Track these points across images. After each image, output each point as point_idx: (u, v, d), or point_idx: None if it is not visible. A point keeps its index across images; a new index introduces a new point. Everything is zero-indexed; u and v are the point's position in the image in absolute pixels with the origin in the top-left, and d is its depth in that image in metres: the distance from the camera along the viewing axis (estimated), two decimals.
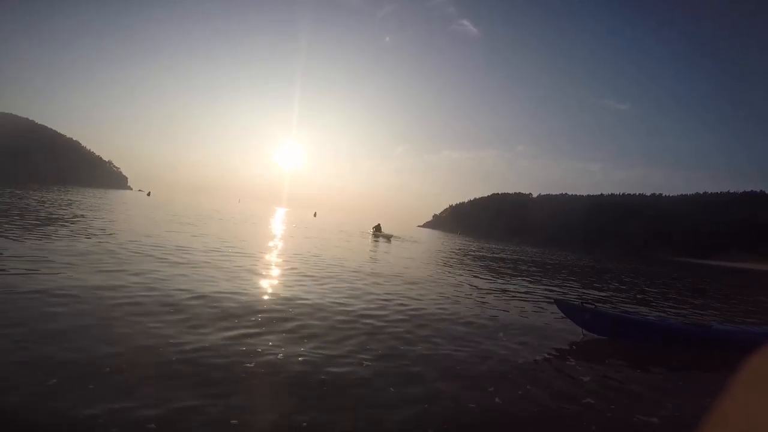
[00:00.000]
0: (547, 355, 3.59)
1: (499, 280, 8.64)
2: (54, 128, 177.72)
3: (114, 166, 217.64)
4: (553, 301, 4.67)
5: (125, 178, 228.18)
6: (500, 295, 6.52)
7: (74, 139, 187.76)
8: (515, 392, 2.70)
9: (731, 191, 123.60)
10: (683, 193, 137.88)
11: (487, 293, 6.60)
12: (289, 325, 3.52)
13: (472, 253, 17.88)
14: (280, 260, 7.74)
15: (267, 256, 8.06)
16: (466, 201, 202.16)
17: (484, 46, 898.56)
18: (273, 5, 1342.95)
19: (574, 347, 3.93)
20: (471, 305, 5.33)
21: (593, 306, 4.19)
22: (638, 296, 8.86)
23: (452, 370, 2.96)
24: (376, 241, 18.85)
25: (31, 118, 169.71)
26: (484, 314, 4.83)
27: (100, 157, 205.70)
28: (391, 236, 23.59)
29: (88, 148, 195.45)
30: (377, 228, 24.99)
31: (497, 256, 18.08)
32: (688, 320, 4.33)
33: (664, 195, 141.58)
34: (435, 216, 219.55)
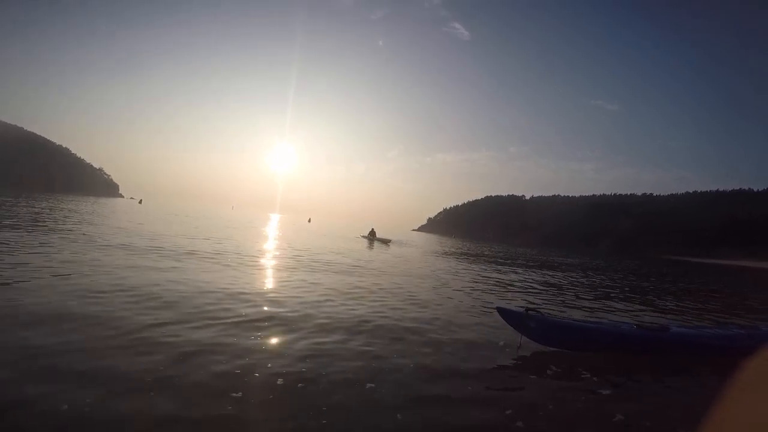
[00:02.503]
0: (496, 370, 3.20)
1: (475, 283, 8.59)
2: (43, 135, 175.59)
3: (105, 173, 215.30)
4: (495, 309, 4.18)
5: (116, 186, 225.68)
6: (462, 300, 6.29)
7: (64, 146, 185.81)
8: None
9: (720, 189, 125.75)
10: (674, 192, 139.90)
11: (444, 299, 6.28)
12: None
13: (462, 256, 17.88)
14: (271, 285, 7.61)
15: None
16: (460, 204, 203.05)
17: (476, 48, 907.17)
18: (265, 8, 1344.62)
19: (520, 360, 3.56)
20: (424, 311, 5.05)
21: (538, 313, 3.77)
22: (626, 295, 8.87)
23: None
24: (371, 246, 18.74)
25: (19, 125, 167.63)
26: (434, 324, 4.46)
27: (91, 165, 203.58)
28: (390, 241, 23.49)
29: (78, 155, 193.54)
30: (372, 233, 24.95)
31: (487, 258, 18.09)
32: (644, 323, 4.05)
33: (655, 194, 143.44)
34: (429, 219, 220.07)
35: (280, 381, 2.56)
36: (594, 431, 2.37)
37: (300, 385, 2.54)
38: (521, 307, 3.84)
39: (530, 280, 10.32)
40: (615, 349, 3.78)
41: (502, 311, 3.95)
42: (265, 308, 4.43)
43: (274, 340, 3.39)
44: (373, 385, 2.65)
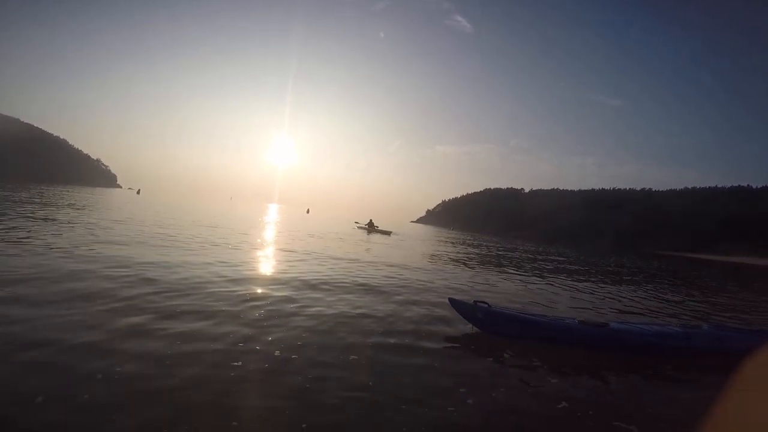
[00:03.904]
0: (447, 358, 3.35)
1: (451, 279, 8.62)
2: (40, 126, 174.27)
3: (103, 164, 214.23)
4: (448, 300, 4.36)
5: (114, 176, 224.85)
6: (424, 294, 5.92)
7: (62, 137, 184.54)
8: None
9: (719, 186, 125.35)
10: (672, 188, 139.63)
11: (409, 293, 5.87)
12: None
13: (450, 248, 17.91)
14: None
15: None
16: (459, 196, 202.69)
17: (478, 41, 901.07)
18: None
19: (474, 347, 3.74)
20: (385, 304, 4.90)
21: (486, 305, 4.00)
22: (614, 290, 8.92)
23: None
24: (370, 237, 18.69)
25: (16, 116, 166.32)
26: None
27: (89, 155, 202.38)
28: (390, 232, 23.41)
29: (75, 146, 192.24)
30: (370, 224, 24.86)
31: (476, 251, 18.13)
32: (587, 319, 4.17)
33: (654, 190, 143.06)
34: (428, 211, 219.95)
35: (277, 353, 2.94)
36: (538, 414, 2.54)
37: (294, 356, 2.91)
38: (475, 300, 4.08)
39: (529, 284, 10.35)
40: (557, 342, 3.91)
41: (453, 302, 4.21)
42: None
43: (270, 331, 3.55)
44: (355, 356, 3.05)
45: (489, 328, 4.04)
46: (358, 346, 3.27)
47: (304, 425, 2.06)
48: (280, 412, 2.16)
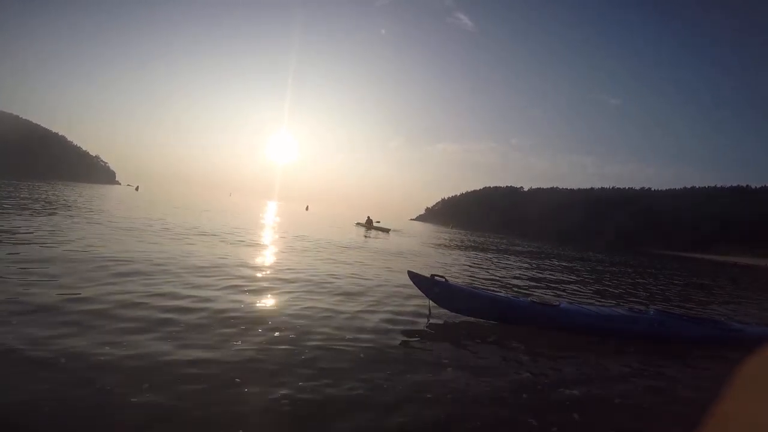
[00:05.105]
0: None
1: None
2: (38, 122, 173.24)
3: (102, 160, 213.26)
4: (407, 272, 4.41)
5: (113, 173, 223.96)
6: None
7: (60, 134, 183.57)
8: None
9: (719, 186, 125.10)
10: (672, 188, 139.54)
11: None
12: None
13: (459, 254, 17.76)
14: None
15: None
16: (458, 194, 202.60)
17: (480, 39, 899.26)
18: None
19: (434, 322, 3.98)
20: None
21: (444, 279, 4.09)
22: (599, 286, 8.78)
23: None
24: (367, 236, 18.47)
25: (14, 113, 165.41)
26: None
27: (88, 152, 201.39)
28: (389, 230, 23.13)
29: (74, 143, 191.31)
30: (368, 221, 24.64)
31: (488, 257, 17.98)
32: (539, 299, 4.27)
33: (653, 189, 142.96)
34: (428, 209, 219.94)
35: (277, 334, 3.17)
36: (500, 379, 2.80)
37: (291, 336, 3.17)
38: (432, 274, 4.16)
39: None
40: (510, 319, 4.04)
41: (412, 275, 4.27)
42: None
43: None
44: (352, 337, 3.28)
45: (445, 303, 4.15)
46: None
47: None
48: None
